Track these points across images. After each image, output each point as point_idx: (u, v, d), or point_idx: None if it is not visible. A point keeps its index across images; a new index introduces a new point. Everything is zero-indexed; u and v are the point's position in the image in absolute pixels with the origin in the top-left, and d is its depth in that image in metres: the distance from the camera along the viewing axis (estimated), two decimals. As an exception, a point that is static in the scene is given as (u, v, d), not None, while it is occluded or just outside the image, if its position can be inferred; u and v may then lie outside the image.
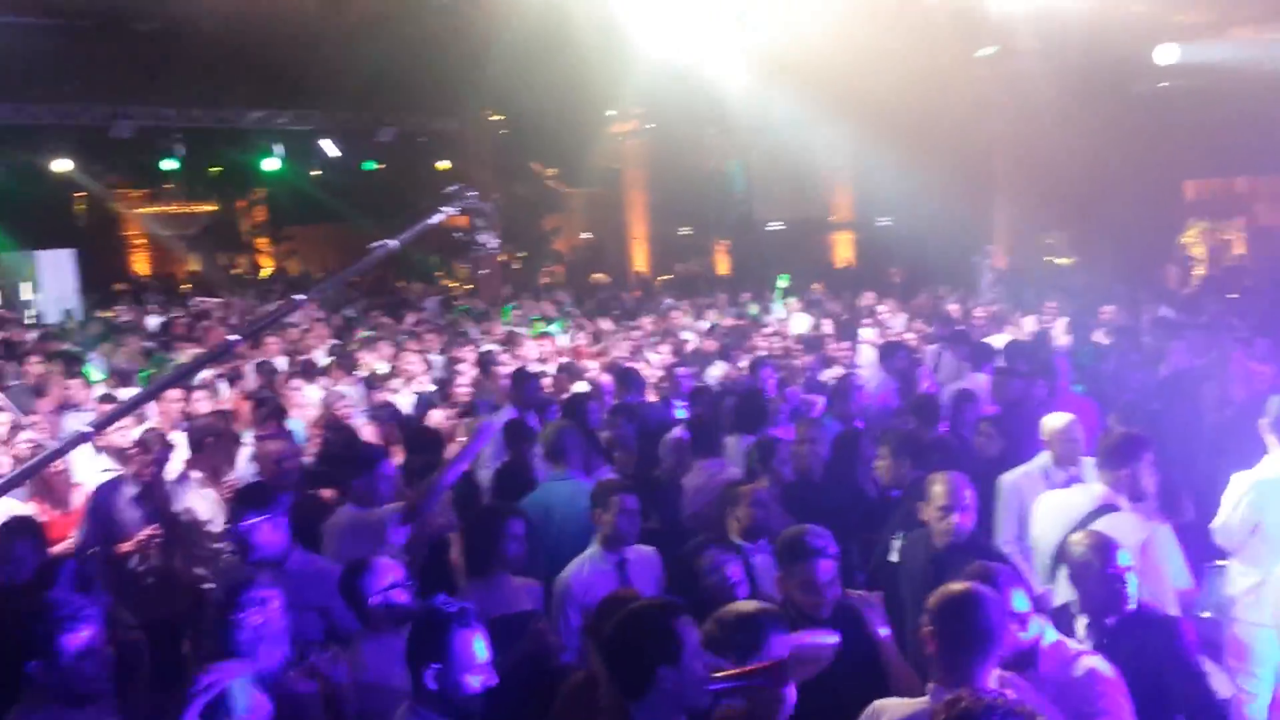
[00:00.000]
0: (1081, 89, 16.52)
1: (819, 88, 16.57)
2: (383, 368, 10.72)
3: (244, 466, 7.22)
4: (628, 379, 8.67)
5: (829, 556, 4.17)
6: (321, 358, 11.40)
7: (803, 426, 6.73)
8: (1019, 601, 3.73)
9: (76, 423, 8.39)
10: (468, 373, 9.87)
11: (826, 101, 17.19)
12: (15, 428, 7.90)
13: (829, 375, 9.08)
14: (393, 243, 4.94)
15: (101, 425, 5.51)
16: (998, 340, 10.19)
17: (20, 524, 5.30)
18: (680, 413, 8.27)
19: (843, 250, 24.37)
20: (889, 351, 9.47)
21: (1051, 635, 3.80)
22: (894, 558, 5.22)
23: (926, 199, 17.70)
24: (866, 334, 11.39)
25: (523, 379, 8.33)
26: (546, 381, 9.17)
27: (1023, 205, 19.47)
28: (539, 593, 5.06)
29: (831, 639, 3.66)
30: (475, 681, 3.34)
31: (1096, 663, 3.66)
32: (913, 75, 16.41)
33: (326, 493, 6.49)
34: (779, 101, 17.76)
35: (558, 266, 28.36)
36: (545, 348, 11.46)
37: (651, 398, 8.85)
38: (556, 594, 5.01)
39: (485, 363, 10.21)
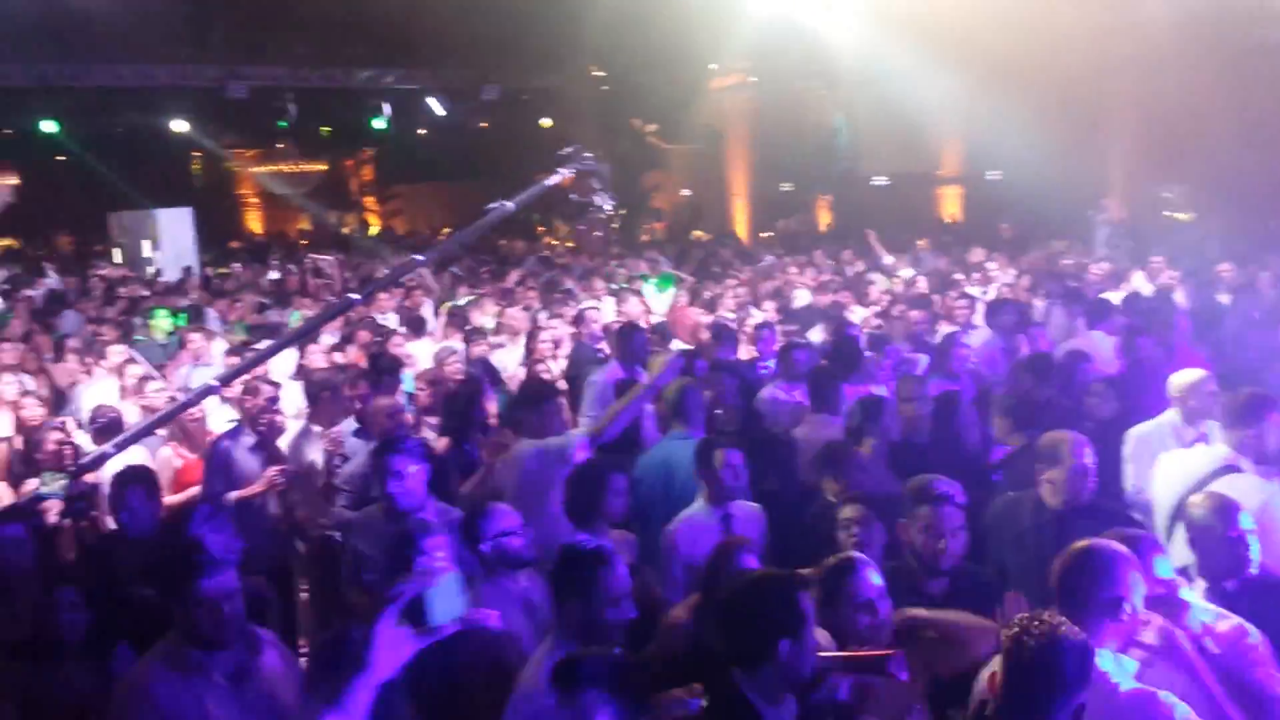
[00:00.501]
0: (1205, 35, 15.80)
1: (929, 37, 16.17)
2: (488, 323, 10.85)
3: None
4: (722, 335, 8.65)
5: (955, 504, 4.15)
6: (429, 314, 11.61)
7: (905, 385, 6.63)
8: (1162, 568, 3.70)
9: (201, 376, 8.72)
10: (561, 329, 9.93)
11: (936, 51, 16.75)
12: (145, 379, 8.26)
13: (939, 332, 8.90)
14: (509, 204, 4.97)
15: (227, 379, 5.70)
16: (1114, 297, 9.90)
17: (134, 473, 5.49)
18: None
19: (950, 205, 23.86)
20: (996, 308, 9.26)
21: (1198, 603, 3.76)
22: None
23: (1039, 151, 17.14)
24: (975, 291, 11.15)
25: (630, 334, 8.34)
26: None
27: (1140, 158, 18.75)
28: (635, 546, 5.14)
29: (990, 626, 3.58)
30: (616, 613, 3.51)
31: (1242, 623, 3.63)
32: (1027, 22, 15.88)
33: (440, 443, 6.63)
34: (887, 53, 17.35)
35: (657, 224, 28.34)
36: (637, 308, 11.43)
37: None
38: (661, 548, 5.06)
39: (581, 319, 10.30)
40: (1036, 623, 2.84)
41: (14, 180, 20.11)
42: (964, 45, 16.35)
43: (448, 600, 2.19)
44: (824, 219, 25.59)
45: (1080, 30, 16.98)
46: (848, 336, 8.19)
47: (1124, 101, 18.51)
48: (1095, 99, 18.52)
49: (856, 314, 10.41)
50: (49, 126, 18.35)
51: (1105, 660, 3.17)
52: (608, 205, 5.26)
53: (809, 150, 24.38)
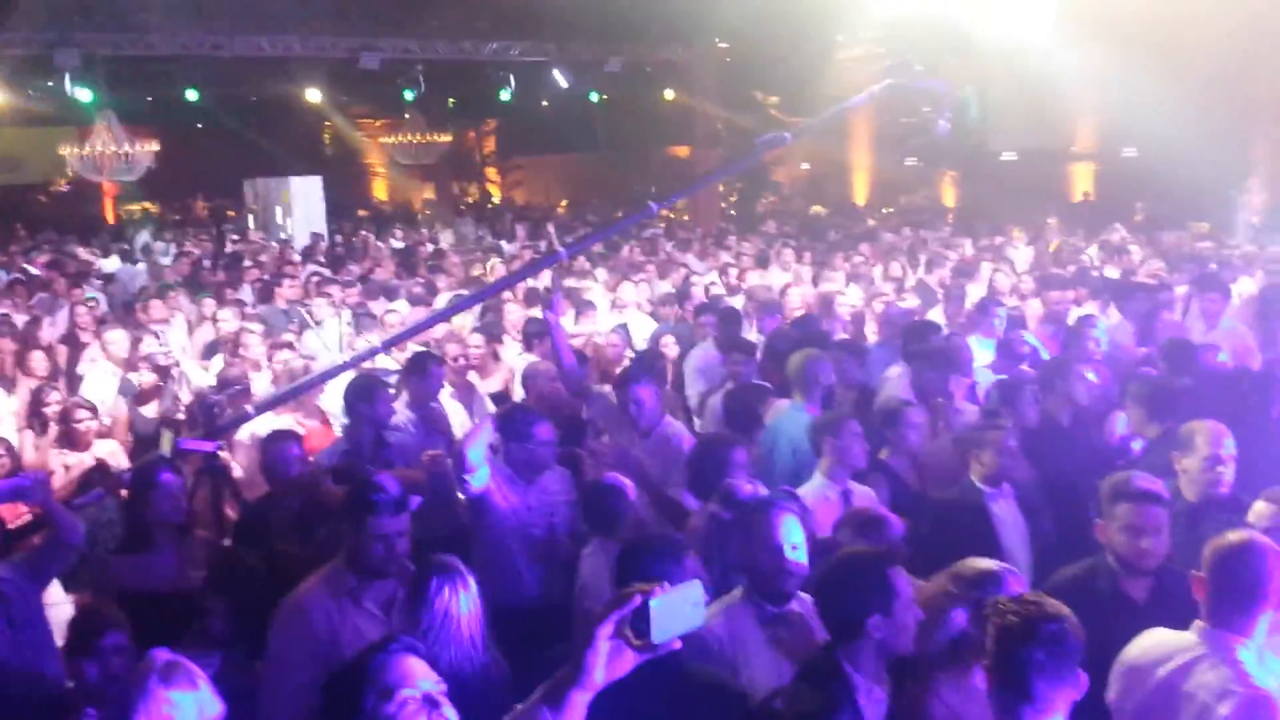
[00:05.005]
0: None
1: (1065, 4, 15.59)
2: (600, 296, 10.92)
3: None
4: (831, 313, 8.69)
5: (1160, 502, 3.86)
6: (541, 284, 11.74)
7: (1050, 368, 6.45)
8: None
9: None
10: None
11: (1073, 20, 16.13)
12: (275, 346, 8.48)
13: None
14: (786, 136, 4.79)
15: (390, 344, 5.89)
16: (1247, 285, 9.49)
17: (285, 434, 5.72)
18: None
19: (1082, 183, 23.12)
20: (1127, 293, 8.94)
21: None
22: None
23: (1179, 128, 16.43)
24: (1110, 273, 10.80)
25: (729, 317, 8.33)
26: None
27: (1289, 136, 17.89)
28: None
29: None
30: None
31: None
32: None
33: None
34: (1020, 21, 16.78)
35: (774, 198, 28.13)
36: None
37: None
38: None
39: (682, 296, 10.46)
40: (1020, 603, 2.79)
41: (155, 146, 20.88)
42: (1103, 14, 15.72)
43: (674, 616, 1.98)
44: (949, 195, 25.04)
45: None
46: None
47: (1272, 77, 17.62)
48: (1243, 74, 17.65)
49: (972, 292, 10.16)
50: (191, 95, 19.02)
51: (1248, 656, 3.12)
52: (945, 129, 4.98)
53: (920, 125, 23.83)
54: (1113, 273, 10.90)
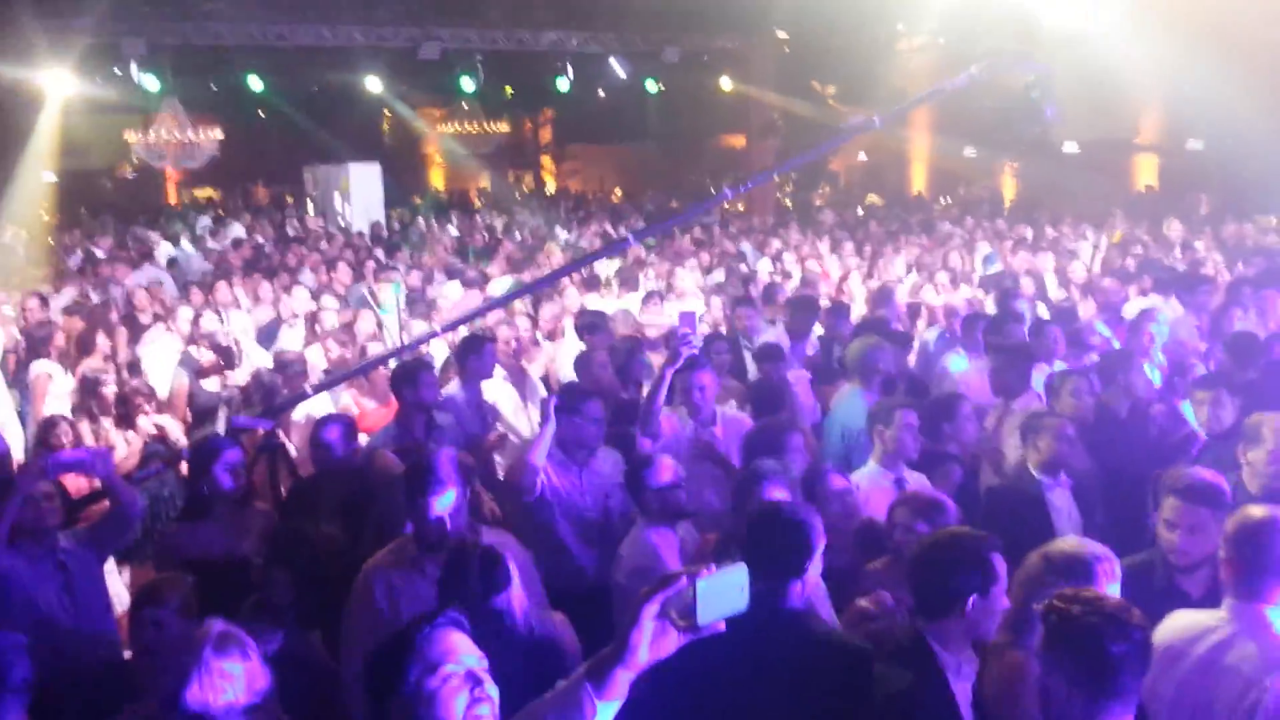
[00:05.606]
0: None
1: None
2: (658, 284, 10.95)
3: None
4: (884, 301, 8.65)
5: (1208, 504, 3.73)
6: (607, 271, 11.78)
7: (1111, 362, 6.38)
8: None
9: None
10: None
11: (1138, 9, 15.80)
12: (325, 334, 8.58)
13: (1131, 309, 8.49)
14: (876, 119, 4.80)
15: (449, 327, 5.94)
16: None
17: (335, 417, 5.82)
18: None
19: (1145, 175, 22.67)
20: (1191, 286, 8.79)
21: None
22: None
23: (1245, 120, 16.04)
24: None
25: (803, 305, 8.27)
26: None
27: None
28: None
29: None
30: None
31: None
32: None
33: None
34: (1084, 10, 16.48)
35: (830, 188, 27.92)
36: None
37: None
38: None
39: (745, 282, 10.41)
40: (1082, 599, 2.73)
41: (218, 133, 21.27)
42: (1169, 3, 15.39)
43: (720, 598, 1.97)
44: (1009, 187, 24.69)
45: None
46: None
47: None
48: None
49: (1025, 285, 10.04)
50: (256, 84, 19.32)
51: None
52: (1052, 113, 4.98)
53: (1000, 113, 23.46)
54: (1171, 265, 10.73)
